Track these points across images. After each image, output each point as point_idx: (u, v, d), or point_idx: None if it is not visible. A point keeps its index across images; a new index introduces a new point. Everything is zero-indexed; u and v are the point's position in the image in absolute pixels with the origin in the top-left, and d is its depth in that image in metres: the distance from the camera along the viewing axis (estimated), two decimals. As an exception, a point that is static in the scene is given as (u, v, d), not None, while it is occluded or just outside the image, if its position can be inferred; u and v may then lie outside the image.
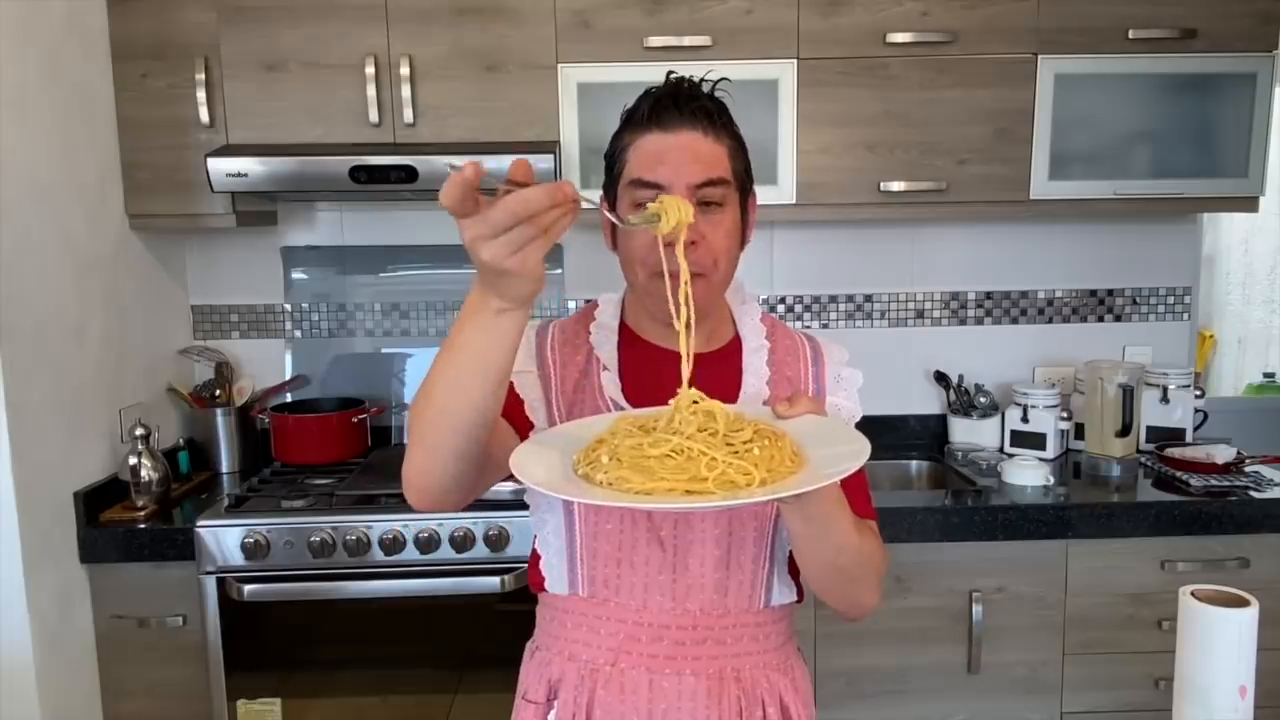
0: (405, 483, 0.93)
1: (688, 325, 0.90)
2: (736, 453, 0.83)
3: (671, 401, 0.89)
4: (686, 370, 0.89)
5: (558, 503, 1.06)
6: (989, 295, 2.57)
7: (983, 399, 2.47)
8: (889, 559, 1.11)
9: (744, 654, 1.07)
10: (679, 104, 1.01)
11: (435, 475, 0.90)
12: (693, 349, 0.89)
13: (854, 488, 1.03)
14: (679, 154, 1.00)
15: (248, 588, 1.87)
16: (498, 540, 1.90)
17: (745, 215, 1.08)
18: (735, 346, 1.13)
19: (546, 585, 1.10)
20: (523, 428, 1.05)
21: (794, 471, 0.83)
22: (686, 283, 0.90)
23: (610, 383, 1.07)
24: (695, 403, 0.88)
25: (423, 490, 0.93)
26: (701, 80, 1.04)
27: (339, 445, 2.32)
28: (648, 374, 1.07)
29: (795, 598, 1.12)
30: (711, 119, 1.02)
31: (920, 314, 2.57)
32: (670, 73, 1.06)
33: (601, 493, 0.81)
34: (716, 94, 1.05)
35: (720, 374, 1.08)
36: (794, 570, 1.11)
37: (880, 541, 1.07)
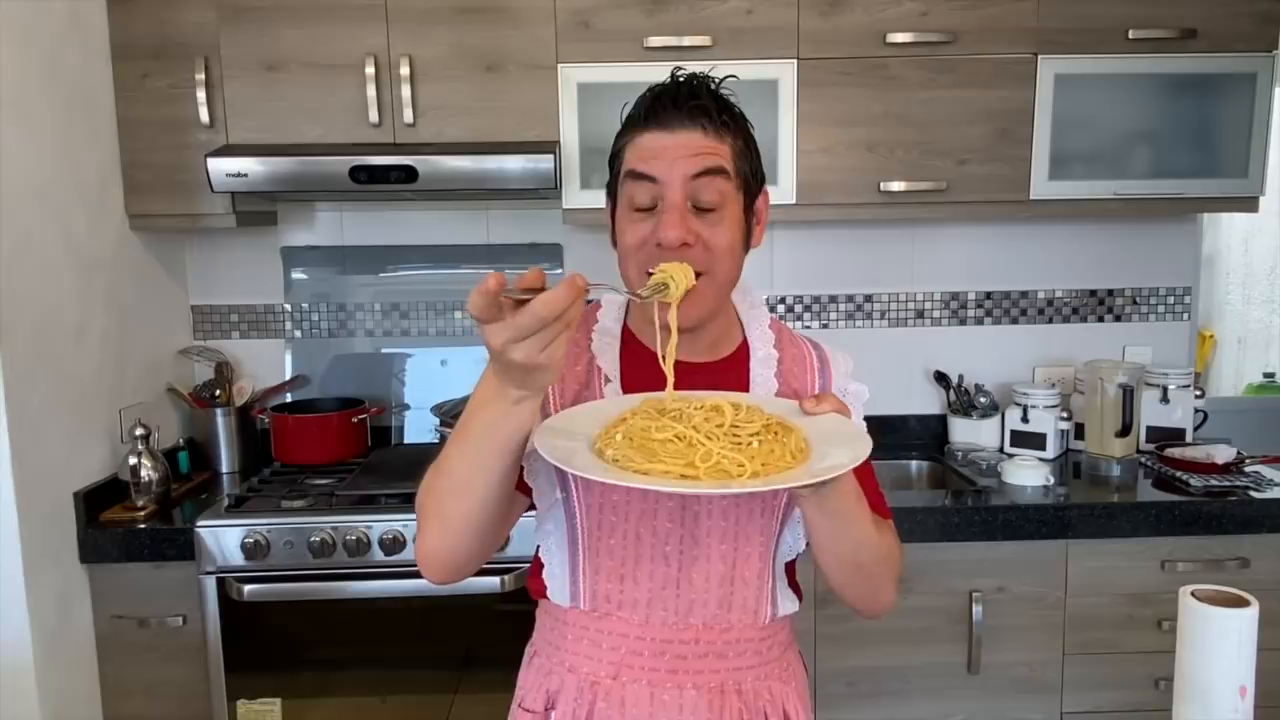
0: (422, 560, 0.99)
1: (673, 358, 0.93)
2: (739, 444, 0.84)
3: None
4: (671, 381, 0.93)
5: (561, 514, 1.04)
6: (989, 295, 2.57)
7: (983, 399, 2.47)
8: (904, 556, 1.11)
9: (745, 667, 1.05)
10: (678, 102, 0.97)
11: (454, 549, 0.97)
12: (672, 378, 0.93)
13: (867, 486, 1.02)
14: (675, 149, 0.97)
15: (248, 588, 1.87)
16: (498, 540, 1.90)
17: (751, 216, 1.04)
18: (743, 354, 1.09)
19: (548, 594, 1.08)
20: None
21: (791, 466, 0.83)
22: (674, 340, 0.93)
23: (613, 394, 1.04)
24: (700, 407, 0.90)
25: (441, 566, 0.99)
26: (706, 78, 1.01)
27: (339, 445, 2.32)
28: (651, 384, 1.03)
29: (797, 607, 1.11)
30: (711, 117, 0.98)
31: (920, 314, 2.57)
32: (677, 68, 1.02)
33: (602, 469, 0.81)
34: (722, 92, 1.01)
35: (726, 384, 1.05)
36: (792, 576, 1.11)
37: (897, 539, 1.08)
